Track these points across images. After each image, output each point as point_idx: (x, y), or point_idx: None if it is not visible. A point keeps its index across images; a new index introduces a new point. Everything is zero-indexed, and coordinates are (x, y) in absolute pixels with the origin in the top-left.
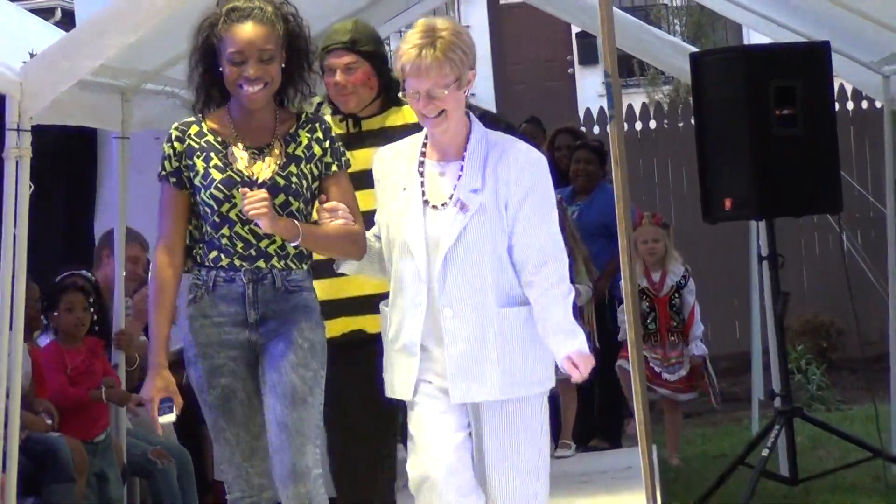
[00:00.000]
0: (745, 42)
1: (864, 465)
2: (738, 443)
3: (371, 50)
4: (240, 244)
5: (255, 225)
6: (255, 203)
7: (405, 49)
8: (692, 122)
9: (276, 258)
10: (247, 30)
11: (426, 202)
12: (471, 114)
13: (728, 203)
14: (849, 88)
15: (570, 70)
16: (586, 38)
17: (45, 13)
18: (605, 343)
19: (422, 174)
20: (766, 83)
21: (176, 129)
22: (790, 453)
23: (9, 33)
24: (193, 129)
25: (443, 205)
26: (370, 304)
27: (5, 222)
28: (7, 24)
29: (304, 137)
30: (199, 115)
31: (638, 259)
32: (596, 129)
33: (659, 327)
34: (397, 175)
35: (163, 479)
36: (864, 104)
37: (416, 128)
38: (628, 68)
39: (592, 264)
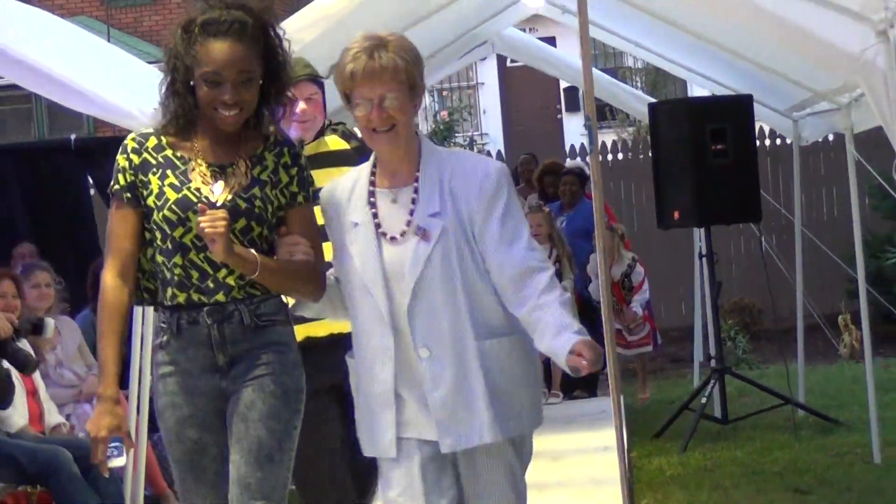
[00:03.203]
0: (689, 95)
1: (778, 410)
2: (683, 393)
3: (323, 81)
4: (195, 274)
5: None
6: (213, 221)
7: (352, 55)
8: (650, 154)
9: (236, 289)
10: (224, 48)
11: (383, 234)
12: (419, 132)
13: (676, 214)
14: (767, 129)
15: (558, 115)
16: (571, 91)
17: None
18: (586, 316)
19: (373, 205)
20: (704, 126)
21: (133, 139)
22: (722, 401)
23: (144, 85)
24: (151, 142)
25: (401, 234)
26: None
27: None
28: (142, 78)
29: (271, 161)
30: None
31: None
32: (578, 160)
33: (616, 304)
34: (347, 210)
35: None
36: (778, 141)
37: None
38: (602, 114)
39: (574, 262)
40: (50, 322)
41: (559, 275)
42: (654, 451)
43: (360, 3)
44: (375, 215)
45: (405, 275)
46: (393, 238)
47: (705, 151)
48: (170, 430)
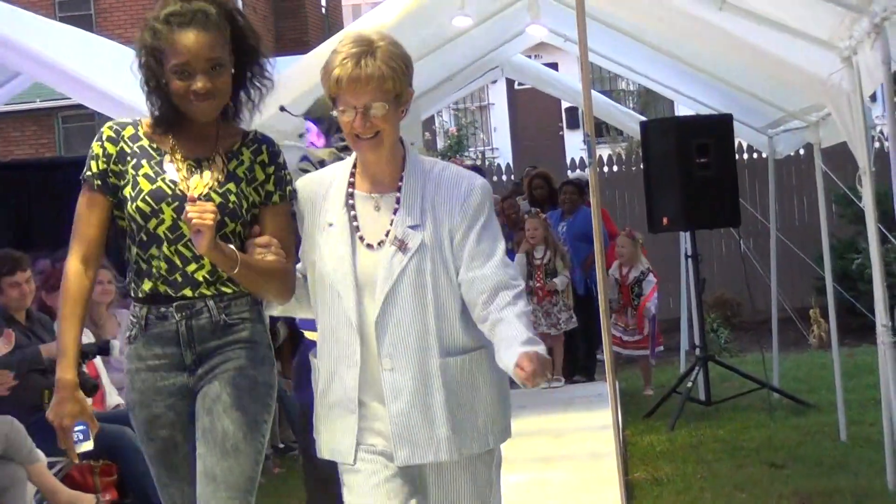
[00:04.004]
0: (676, 114)
1: (755, 393)
2: (671, 378)
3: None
4: (163, 266)
5: (184, 246)
6: (200, 213)
7: (339, 60)
8: (641, 166)
9: (204, 285)
10: (190, 38)
11: (360, 239)
12: (403, 140)
13: (665, 220)
14: (745, 144)
15: (560, 132)
16: (571, 111)
17: None
18: (586, 310)
19: (352, 207)
20: (689, 141)
21: (110, 127)
22: (706, 385)
23: None
24: (128, 132)
25: (379, 243)
26: None
27: None
28: None
29: (247, 157)
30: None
31: (617, 257)
32: (577, 171)
33: (622, 303)
34: (322, 208)
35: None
36: (755, 155)
37: None
38: (599, 131)
39: (570, 260)
40: (116, 344)
41: (553, 273)
42: (645, 429)
43: (387, 31)
44: (355, 218)
45: (377, 284)
46: (370, 245)
47: (691, 164)
48: (140, 427)
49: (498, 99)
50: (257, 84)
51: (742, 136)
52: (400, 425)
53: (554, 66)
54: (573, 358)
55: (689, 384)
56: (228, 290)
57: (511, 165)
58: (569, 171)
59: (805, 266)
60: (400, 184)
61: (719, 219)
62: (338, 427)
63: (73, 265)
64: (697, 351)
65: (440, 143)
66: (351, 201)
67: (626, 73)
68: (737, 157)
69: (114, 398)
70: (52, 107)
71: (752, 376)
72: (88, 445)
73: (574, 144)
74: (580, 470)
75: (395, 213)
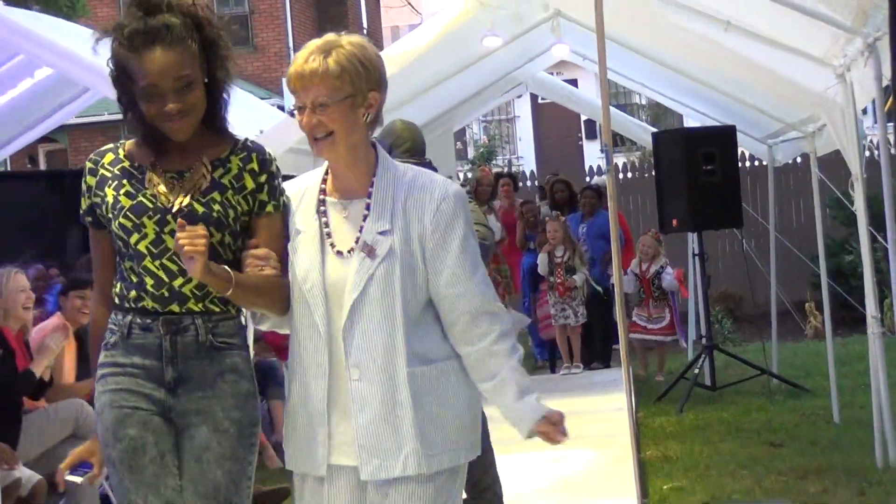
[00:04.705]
0: (685, 125)
1: (756, 379)
2: (680, 365)
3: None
4: (150, 281)
5: (169, 260)
6: (191, 238)
7: (295, 57)
8: (653, 173)
9: (192, 300)
10: (156, 58)
11: (332, 246)
12: (377, 145)
13: (675, 222)
14: (747, 153)
15: (579, 142)
16: (589, 123)
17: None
18: (601, 303)
19: (324, 213)
20: (696, 151)
21: (90, 160)
22: (711, 372)
23: (250, 116)
24: (107, 158)
25: (349, 251)
26: None
27: None
28: (251, 108)
29: (236, 165)
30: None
31: (638, 254)
32: (596, 178)
33: (644, 295)
34: (294, 216)
35: None
36: (756, 163)
37: None
38: (614, 141)
39: (586, 259)
40: None
41: (572, 270)
42: (656, 412)
43: (422, 53)
44: (326, 224)
45: (345, 291)
46: (340, 253)
47: (697, 171)
48: (108, 429)
49: (523, 112)
50: (228, 91)
51: (744, 146)
52: (367, 437)
53: (574, 82)
54: (591, 347)
55: (696, 371)
56: (217, 309)
57: (535, 172)
58: (587, 178)
59: (802, 264)
60: (370, 189)
61: (723, 221)
62: (310, 438)
63: (98, 308)
64: (704, 340)
65: (471, 153)
66: (322, 208)
67: (639, 89)
68: (739, 164)
69: None
70: (118, 119)
71: (754, 364)
72: (78, 480)
73: (592, 153)
74: (597, 447)
75: (364, 219)
